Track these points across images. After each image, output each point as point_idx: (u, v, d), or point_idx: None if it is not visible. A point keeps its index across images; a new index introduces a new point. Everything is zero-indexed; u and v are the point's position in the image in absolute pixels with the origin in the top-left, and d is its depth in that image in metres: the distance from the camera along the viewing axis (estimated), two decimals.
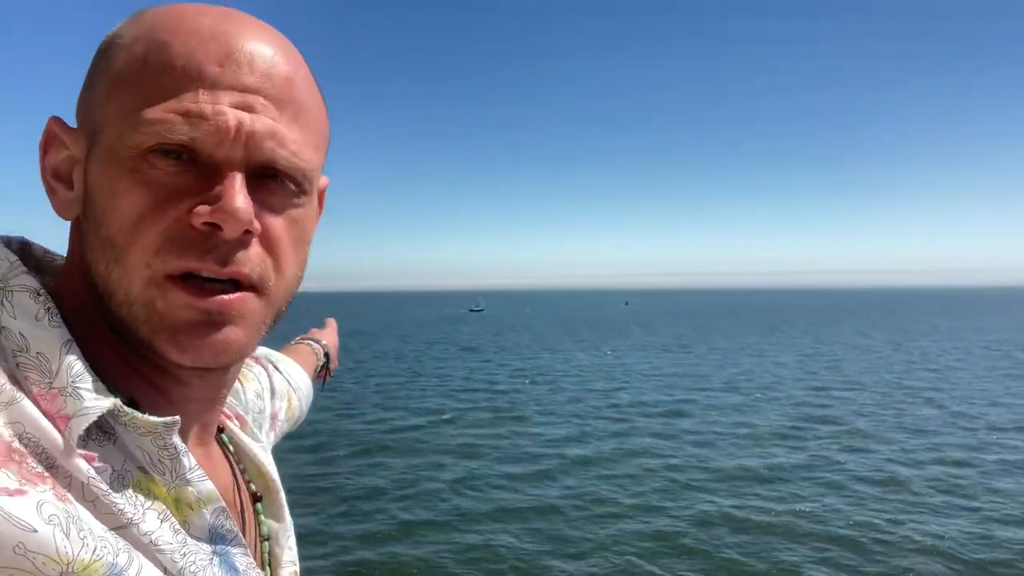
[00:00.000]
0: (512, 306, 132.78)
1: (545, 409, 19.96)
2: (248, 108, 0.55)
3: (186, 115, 0.53)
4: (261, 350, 1.25)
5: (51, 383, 0.52)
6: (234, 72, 0.55)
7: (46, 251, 0.66)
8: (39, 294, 0.55)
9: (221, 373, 0.65)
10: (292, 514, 0.79)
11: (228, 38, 0.56)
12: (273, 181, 0.58)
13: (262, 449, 0.79)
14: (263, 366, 1.16)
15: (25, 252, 0.63)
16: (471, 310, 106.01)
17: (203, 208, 0.53)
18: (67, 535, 0.46)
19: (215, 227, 0.53)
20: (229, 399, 0.80)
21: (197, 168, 0.54)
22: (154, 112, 0.53)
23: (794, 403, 20.59)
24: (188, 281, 0.54)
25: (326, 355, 1.48)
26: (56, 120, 0.60)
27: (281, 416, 1.13)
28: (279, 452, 0.79)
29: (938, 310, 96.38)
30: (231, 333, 0.57)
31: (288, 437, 1.22)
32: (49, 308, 0.54)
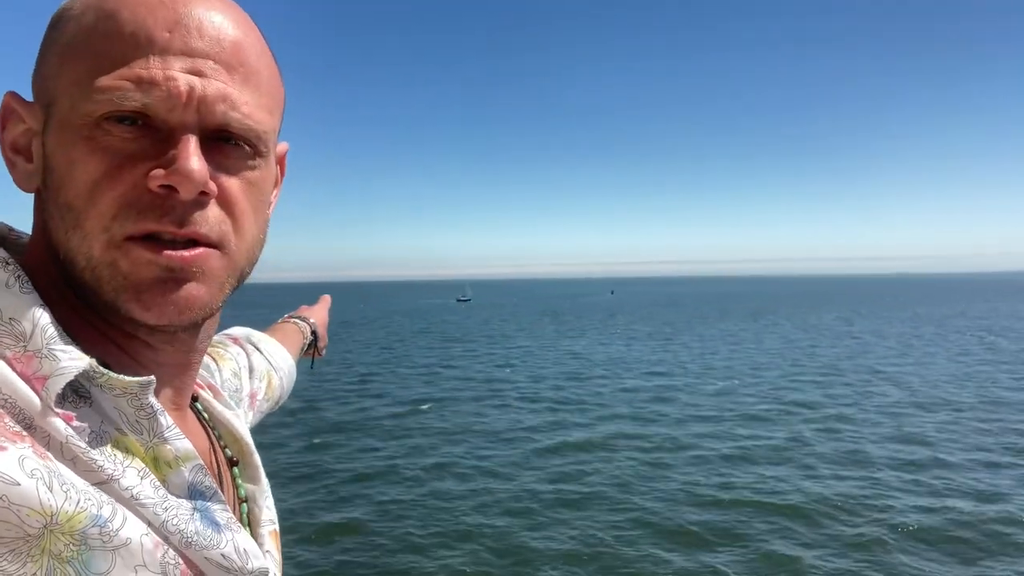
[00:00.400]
0: (500, 295, 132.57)
1: (524, 396, 20.25)
2: (199, 73, 0.55)
3: (137, 82, 0.53)
4: (242, 330, 1.25)
5: (25, 346, 0.53)
6: (183, 37, 0.55)
7: (11, 228, 0.67)
8: (8, 263, 0.56)
9: (190, 336, 0.65)
10: (275, 501, 0.81)
11: (176, 5, 0.56)
12: (227, 144, 0.59)
13: (235, 416, 0.80)
14: (241, 346, 1.17)
15: (5, 228, 0.65)
16: (458, 300, 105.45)
17: (158, 171, 0.54)
18: (50, 488, 0.47)
19: (171, 189, 0.54)
20: (202, 372, 0.81)
21: (151, 133, 0.55)
22: (105, 80, 0.53)
23: (768, 387, 21.02)
24: (148, 241, 0.55)
25: (313, 333, 1.46)
26: (11, 94, 0.61)
27: (260, 396, 1.13)
28: (262, 441, 0.84)
29: (920, 297, 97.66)
30: (193, 289, 0.57)
31: (270, 424, 1.42)
32: (19, 276, 0.56)
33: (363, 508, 10.80)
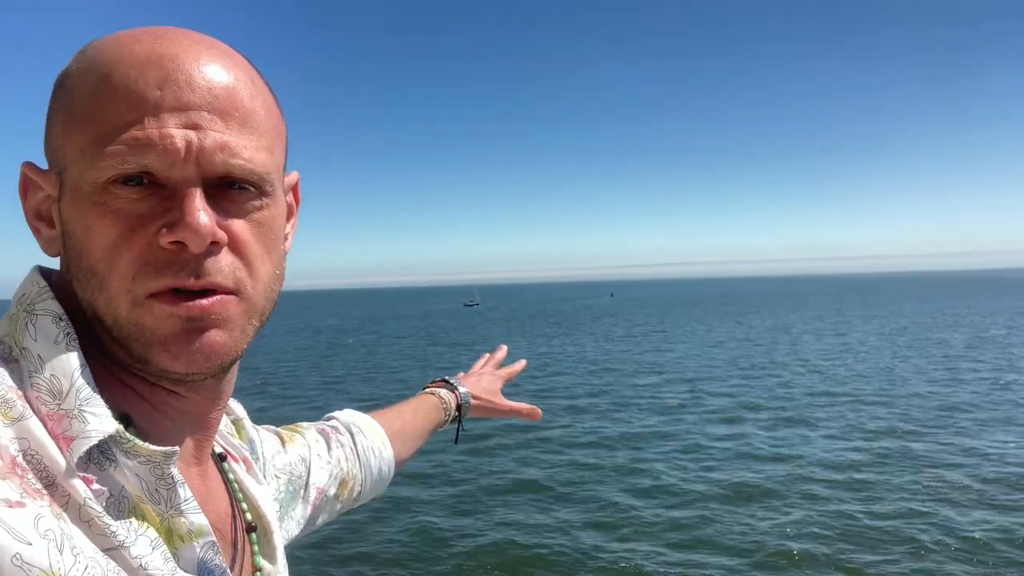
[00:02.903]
0: (507, 300, 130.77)
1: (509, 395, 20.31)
2: (194, 126, 0.56)
3: (134, 144, 0.54)
4: (348, 416, 1.21)
5: (60, 405, 0.54)
6: (175, 93, 0.56)
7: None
8: (60, 319, 0.58)
9: (216, 382, 0.66)
10: None
11: (164, 60, 0.57)
12: (232, 189, 0.59)
13: (264, 491, 0.80)
14: (327, 437, 1.13)
15: (58, 279, 0.65)
16: (465, 305, 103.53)
17: (167, 230, 0.55)
18: (60, 551, 0.48)
19: (182, 245, 0.56)
20: (238, 444, 0.83)
21: (158, 190, 0.56)
22: (105, 146, 0.55)
23: (729, 385, 20.92)
24: (168, 295, 0.57)
25: (459, 407, 1.37)
26: (28, 165, 0.63)
27: (329, 494, 1.08)
28: None
29: (906, 293, 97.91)
30: (216, 336, 0.59)
31: None
32: (68, 333, 0.57)
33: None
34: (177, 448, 0.58)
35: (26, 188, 0.64)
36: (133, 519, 0.56)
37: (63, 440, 0.53)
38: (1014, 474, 11.10)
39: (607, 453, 13.41)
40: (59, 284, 0.63)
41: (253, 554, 0.74)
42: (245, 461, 0.83)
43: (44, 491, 0.51)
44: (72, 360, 0.56)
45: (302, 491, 1.02)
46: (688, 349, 32.49)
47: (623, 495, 10.85)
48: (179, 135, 0.56)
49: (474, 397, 1.41)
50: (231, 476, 0.76)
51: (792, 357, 27.47)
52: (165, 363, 0.58)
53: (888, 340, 33.45)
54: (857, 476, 11.33)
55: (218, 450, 0.78)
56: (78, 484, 0.53)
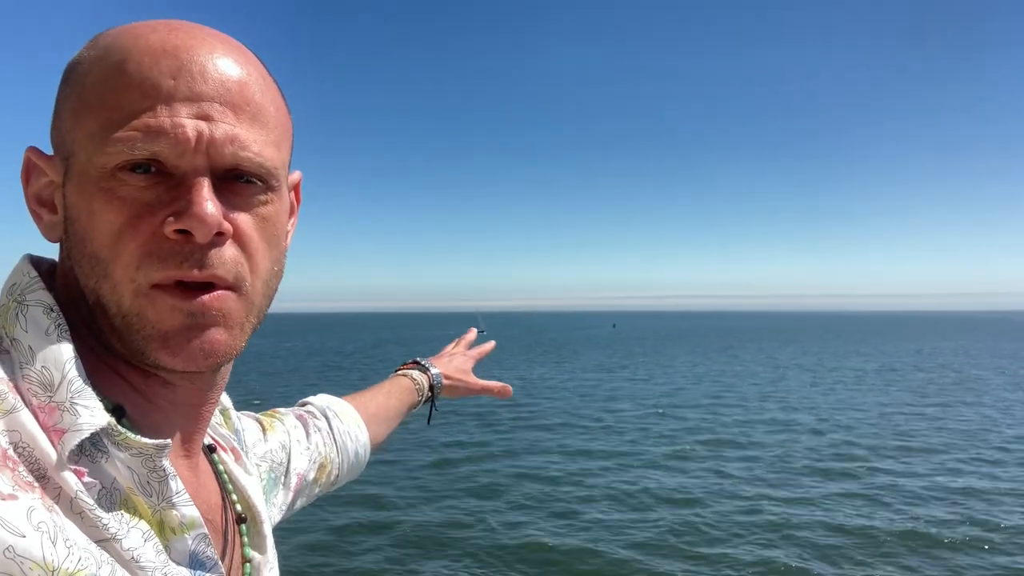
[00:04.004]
0: (512, 328, 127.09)
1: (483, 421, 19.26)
2: (206, 117, 0.57)
3: (146, 131, 0.55)
4: (323, 400, 1.22)
5: (51, 397, 0.53)
6: (188, 83, 0.57)
7: (54, 266, 0.66)
8: (52, 310, 0.57)
9: (208, 378, 0.67)
10: None
11: (179, 51, 0.58)
12: (239, 182, 0.60)
13: (253, 482, 0.80)
14: (304, 422, 1.13)
15: (50, 270, 0.64)
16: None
17: (173, 219, 0.56)
18: (54, 543, 0.48)
19: (187, 234, 0.56)
20: (227, 434, 0.83)
21: (165, 179, 0.57)
22: (117, 132, 0.55)
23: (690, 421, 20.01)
24: (171, 288, 0.57)
25: (432, 387, 1.40)
26: (33, 150, 0.63)
27: (309, 478, 1.08)
28: None
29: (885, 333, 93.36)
30: (216, 335, 0.59)
31: None
32: (60, 324, 0.57)
33: (313, 528, 9.72)
34: (169, 441, 0.58)
35: (29, 173, 0.64)
36: (125, 511, 0.56)
37: (54, 433, 0.53)
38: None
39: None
40: (54, 272, 0.64)
41: (243, 545, 0.73)
42: (234, 451, 0.82)
43: (36, 484, 0.51)
44: (64, 352, 0.55)
45: (283, 478, 1.02)
46: (672, 379, 32.33)
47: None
48: (191, 125, 0.56)
49: (446, 377, 1.43)
50: (221, 467, 0.76)
51: (772, 390, 27.37)
52: (163, 359, 0.58)
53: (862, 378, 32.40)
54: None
55: (207, 441, 0.77)
56: (69, 477, 0.52)
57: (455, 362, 1.49)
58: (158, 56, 0.58)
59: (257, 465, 0.95)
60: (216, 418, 0.84)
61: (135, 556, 0.54)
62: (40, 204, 0.64)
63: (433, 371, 1.42)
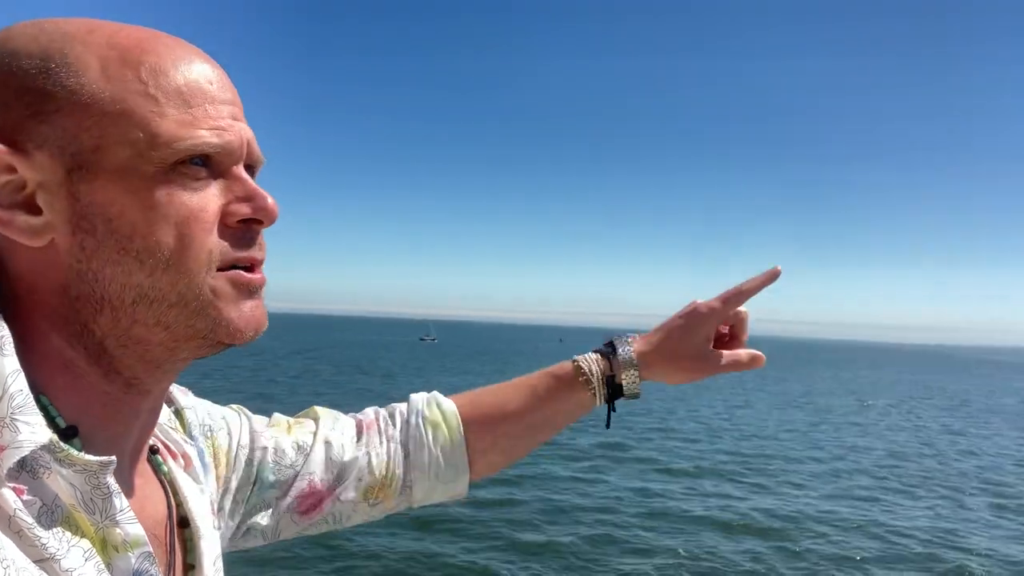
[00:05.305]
0: (465, 338, 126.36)
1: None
2: (237, 119, 0.63)
3: (210, 128, 0.60)
4: (421, 397, 1.07)
5: None
6: (221, 88, 0.63)
7: None
8: None
9: (172, 377, 0.67)
10: None
11: (202, 58, 0.63)
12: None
13: (198, 491, 0.77)
14: (361, 429, 1.02)
15: None
16: (421, 339, 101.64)
17: (242, 207, 0.62)
18: None
19: (251, 222, 0.63)
20: (179, 439, 0.80)
21: (213, 172, 0.61)
22: (181, 129, 0.58)
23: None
24: (236, 270, 0.62)
25: (609, 378, 1.02)
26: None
27: (347, 496, 0.97)
28: None
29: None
30: (262, 308, 0.65)
31: None
32: (1, 335, 0.55)
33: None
34: (114, 458, 0.57)
35: None
36: (66, 529, 0.56)
37: None
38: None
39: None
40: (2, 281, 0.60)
41: (187, 551, 0.73)
42: (184, 457, 0.79)
43: None
44: (4, 365, 0.54)
45: (301, 487, 0.94)
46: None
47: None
48: (236, 125, 0.63)
49: (645, 355, 1.02)
50: (164, 470, 0.74)
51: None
52: (235, 335, 0.62)
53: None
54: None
55: (151, 442, 0.73)
56: (8, 495, 0.52)
57: (678, 326, 1.02)
58: (191, 60, 0.62)
59: (241, 459, 0.91)
60: (170, 421, 0.82)
61: None
62: (21, 205, 0.58)
63: (623, 350, 1.02)
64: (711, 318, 1.02)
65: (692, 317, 1.03)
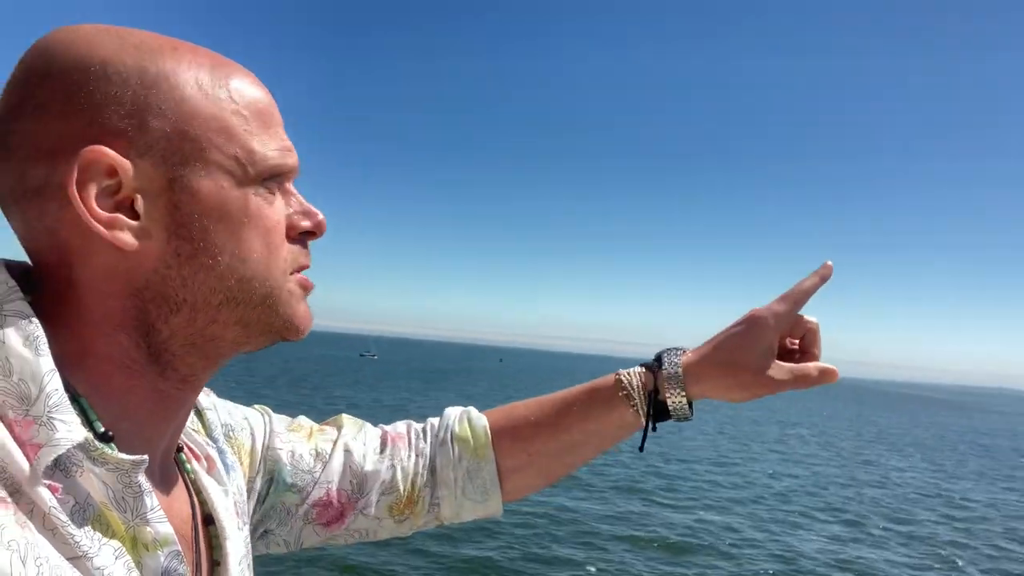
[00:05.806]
0: (408, 355, 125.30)
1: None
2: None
3: (283, 149, 0.65)
4: (456, 410, 1.05)
5: (28, 411, 0.53)
6: (277, 110, 0.68)
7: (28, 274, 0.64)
8: (31, 321, 0.56)
9: (217, 371, 0.70)
10: None
11: (258, 81, 0.67)
12: None
13: (222, 493, 0.78)
14: (387, 442, 1.01)
15: (25, 276, 0.62)
16: (361, 355, 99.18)
17: (304, 220, 0.69)
18: (23, 561, 0.48)
19: (308, 234, 0.70)
20: (202, 441, 0.81)
21: (279, 187, 0.67)
22: (275, 145, 0.65)
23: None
24: (298, 274, 0.69)
25: (652, 392, 0.93)
26: (101, 151, 0.57)
27: (368, 511, 0.97)
28: None
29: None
30: (308, 306, 0.71)
31: None
32: (38, 336, 0.56)
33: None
34: (146, 457, 0.58)
35: (88, 177, 0.57)
36: (97, 528, 0.56)
37: (30, 447, 0.53)
38: None
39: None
40: (27, 277, 0.62)
41: (212, 547, 0.74)
42: (208, 459, 0.80)
43: (8, 499, 0.51)
44: (42, 365, 0.55)
45: (318, 494, 0.94)
46: None
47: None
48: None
49: (692, 366, 0.92)
50: (189, 468, 0.76)
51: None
52: (296, 331, 0.69)
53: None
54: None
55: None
56: (44, 493, 0.53)
57: (736, 333, 0.92)
58: (255, 81, 0.66)
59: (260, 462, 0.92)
60: (192, 423, 0.83)
61: (105, 574, 0.55)
62: (115, 209, 0.59)
63: (669, 362, 0.93)
64: (774, 323, 0.91)
65: (752, 323, 0.92)
